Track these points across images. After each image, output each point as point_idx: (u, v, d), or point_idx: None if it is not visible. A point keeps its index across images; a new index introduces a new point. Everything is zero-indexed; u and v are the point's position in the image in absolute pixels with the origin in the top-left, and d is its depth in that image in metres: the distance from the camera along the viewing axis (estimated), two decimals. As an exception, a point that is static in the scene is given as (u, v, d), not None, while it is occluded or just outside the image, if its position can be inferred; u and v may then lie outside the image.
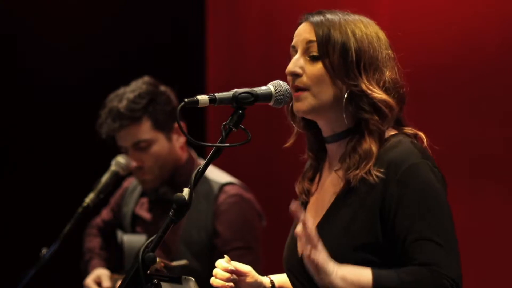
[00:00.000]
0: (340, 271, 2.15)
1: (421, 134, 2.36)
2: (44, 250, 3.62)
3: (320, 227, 2.33)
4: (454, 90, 3.73)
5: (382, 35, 2.38)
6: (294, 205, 2.13)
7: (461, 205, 3.61)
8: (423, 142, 2.34)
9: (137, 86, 3.78)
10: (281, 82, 2.35)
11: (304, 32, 2.37)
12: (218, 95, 2.28)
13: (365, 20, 2.39)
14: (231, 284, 2.35)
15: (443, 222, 2.22)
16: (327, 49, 2.32)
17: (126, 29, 5.11)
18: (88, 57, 5.02)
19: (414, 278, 2.16)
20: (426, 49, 3.77)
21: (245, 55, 4.91)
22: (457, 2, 3.72)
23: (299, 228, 2.13)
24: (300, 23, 2.41)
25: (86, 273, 3.88)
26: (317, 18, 2.36)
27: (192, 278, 2.23)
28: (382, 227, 2.24)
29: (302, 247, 2.15)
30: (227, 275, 2.35)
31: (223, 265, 2.36)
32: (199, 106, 2.26)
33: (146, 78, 3.82)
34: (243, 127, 2.29)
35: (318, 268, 2.13)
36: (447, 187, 2.31)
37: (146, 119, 3.73)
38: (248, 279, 2.39)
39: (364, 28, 2.35)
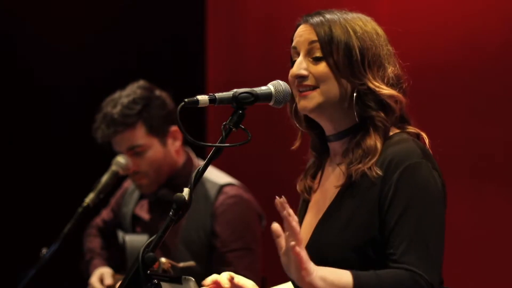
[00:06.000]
0: (320, 271, 2.10)
1: (424, 134, 2.37)
2: (44, 250, 3.62)
3: (323, 221, 2.35)
4: (454, 90, 3.73)
5: (380, 31, 2.39)
6: (280, 200, 2.08)
7: (461, 205, 3.61)
8: (425, 143, 2.35)
9: (132, 90, 3.77)
10: (281, 82, 2.35)
11: (305, 33, 2.37)
12: (218, 95, 2.28)
13: (363, 17, 2.40)
14: None
15: (432, 224, 2.22)
16: (331, 49, 2.33)
17: (126, 30, 5.11)
18: (88, 57, 5.01)
19: (393, 280, 2.16)
20: (426, 49, 3.76)
21: (245, 55, 4.91)
22: (457, 2, 3.72)
23: (276, 225, 2.08)
24: (298, 25, 2.41)
25: (87, 273, 3.87)
26: (316, 19, 2.37)
27: (192, 278, 2.22)
28: (379, 223, 2.24)
29: (285, 242, 2.07)
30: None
31: (225, 280, 2.35)
32: (199, 106, 2.26)
33: (141, 82, 3.81)
34: (243, 127, 2.28)
35: (301, 264, 2.06)
36: (446, 189, 2.31)
37: (140, 124, 3.72)
38: None
39: (363, 26, 2.36)
